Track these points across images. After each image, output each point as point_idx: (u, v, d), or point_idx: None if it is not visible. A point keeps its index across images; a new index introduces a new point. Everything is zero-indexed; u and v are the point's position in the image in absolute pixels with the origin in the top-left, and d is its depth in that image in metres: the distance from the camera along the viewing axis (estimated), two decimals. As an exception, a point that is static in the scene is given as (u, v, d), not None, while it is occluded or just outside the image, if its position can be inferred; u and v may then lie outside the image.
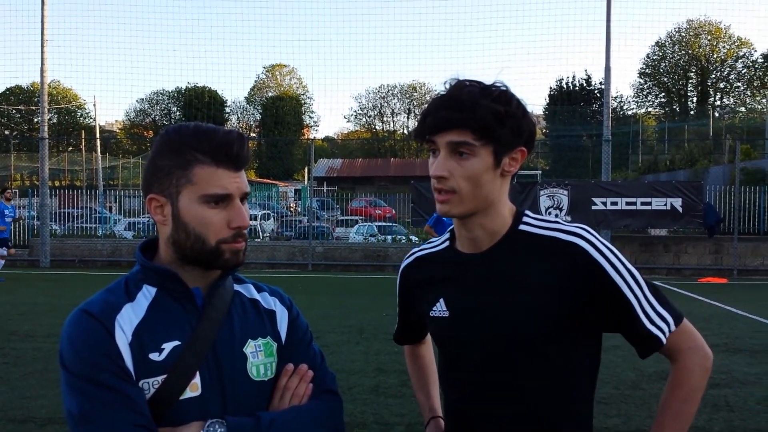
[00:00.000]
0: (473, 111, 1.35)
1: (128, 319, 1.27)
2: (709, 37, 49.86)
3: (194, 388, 1.27)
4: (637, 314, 1.40)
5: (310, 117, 64.06)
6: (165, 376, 1.25)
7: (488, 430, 1.46)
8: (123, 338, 1.25)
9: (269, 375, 1.38)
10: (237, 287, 1.44)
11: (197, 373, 1.28)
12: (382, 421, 4.84)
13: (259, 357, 1.37)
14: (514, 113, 1.38)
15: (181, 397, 1.26)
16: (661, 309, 1.42)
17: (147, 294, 1.32)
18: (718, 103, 51.04)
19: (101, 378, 1.20)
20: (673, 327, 1.42)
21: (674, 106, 52.38)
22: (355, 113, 66.07)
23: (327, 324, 8.69)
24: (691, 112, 49.33)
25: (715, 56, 49.95)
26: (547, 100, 49.28)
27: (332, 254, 17.78)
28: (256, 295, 1.45)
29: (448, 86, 1.41)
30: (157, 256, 1.37)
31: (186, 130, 1.31)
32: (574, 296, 1.39)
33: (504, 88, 1.41)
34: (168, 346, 1.27)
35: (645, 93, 53.59)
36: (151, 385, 1.24)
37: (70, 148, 51.61)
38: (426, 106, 1.42)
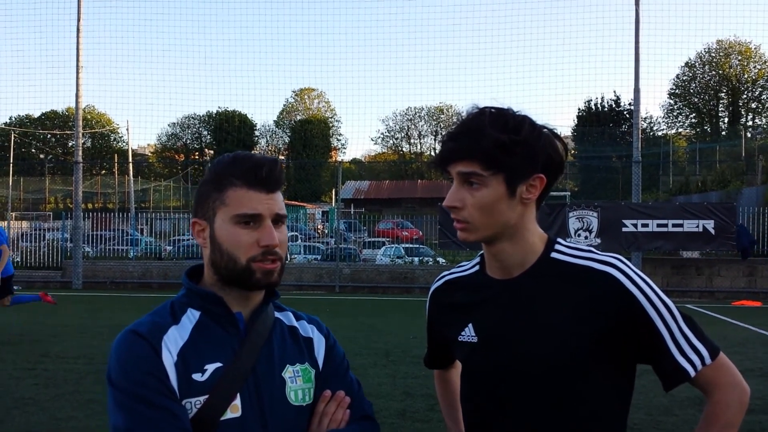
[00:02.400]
0: (478, 141, 1.36)
1: (174, 340, 1.31)
2: (739, 57, 49.25)
3: (235, 410, 1.30)
4: (667, 346, 1.37)
5: (338, 140, 64.52)
6: (207, 396, 1.28)
7: None
8: (169, 358, 1.29)
9: (307, 400, 1.40)
10: (277, 314, 1.47)
11: (238, 394, 1.31)
12: (409, 445, 4.80)
13: (297, 382, 1.40)
14: (524, 141, 1.36)
15: (222, 418, 1.29)
16: (696, 342, 1.39)
17: (191, 317, 1.36)
18: (750, 123, 50.23)
19: (147, 395, 1.24)
20: (708, 360, 1.38)
21: (705, 127, 51.68)
22: (382, 135, 66.40)
23: (354, 346, 8.67)
24: (723, 133, 48.57)
25: (746, 76, 49.28)
26: (576, 122, 49.01)
27: (359, 276, 17.78)
28: (295, 323, 1.49)
29: (464, 114, 1.42)
30: (202, 280, 1.42)
31: (226, 158, 1.39)
32: (605, 327, 1.37)
33: (516, 115, 1.40)
34: (210, 368, 1.31)
35: (675, 113, 53.01)
36: (194, 404, 1.28)
37: (104, 172, 52.60)
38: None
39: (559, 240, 1.50)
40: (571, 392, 1.39)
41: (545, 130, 1.42)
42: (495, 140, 1.35)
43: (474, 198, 1.39)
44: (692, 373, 1.37)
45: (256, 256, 1.33)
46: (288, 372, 1.39)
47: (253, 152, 1.41)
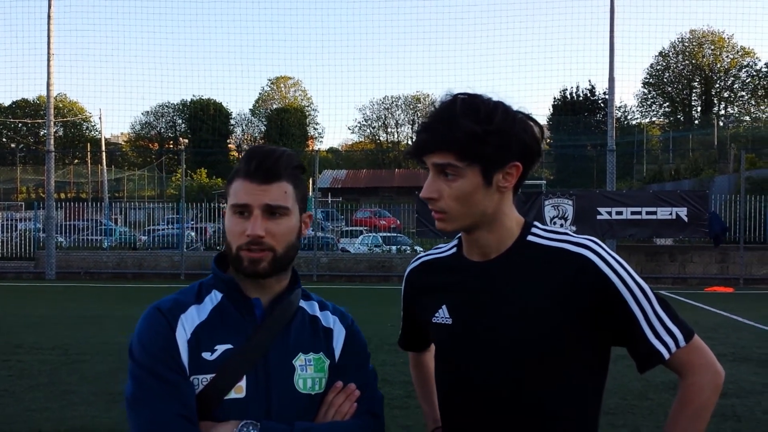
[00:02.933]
0: (451, 133, 1.35)
1: (191, 319, 1.39)
2: (712, 47, 49.87)
3: (239, 391, 1.36)
4: (641, 328, 1.38)
5: (315, 129, 64.27)
6: (213, 375, 1.35)
7: None
8: (183, 335, 1.36)
9: (317, 389, 1.44)
10: (303, 303, 1.52)
11: (244, 377, 1.36)
12: (387, 432, 4.82)
13: (307, 371, 1.44)
14: (497, 130, 1.35)
15: (226, 397, 1.35)
16: (670, 324, 1.39)
17: (213, 298, 1.43)
18: (723, 112, 50.96)
19: (157, 369, 1.32)
20: (682, 343, 1.39)
21: (679, 116, 52.31)
22: (359, 124, 66.26)
23: (332, 335, 8.67)
24: (696, 122, 49.24)
25: (718, 66, 49.94)
26: (551, 111, 49.35)
27: (337, 265, 17.77)
28: (318, 313, 1.53)
29: (438, 103, 1.41)
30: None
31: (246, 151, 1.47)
32: (579, 308, 1.38)
33: (488, 102, 1.39)
34: (221, 348, 1.37)
35: (649, 103, 53.62)
36: (201, 381, 1.35)
37: (76, 161, 51.83)
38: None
39: (536, 224, 1.50)
40: (545, 374, 1.40)
41: (520, 115, 1.41)
42: (468, 131, 1.33)
43: (450, 189, 1.38)
44: (666, 355, 1.38)
45: (243, 245, 1.38)
46: (299, 360, 1.43)
47: (269, 145, 1.48)
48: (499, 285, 1.44)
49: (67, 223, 20.70)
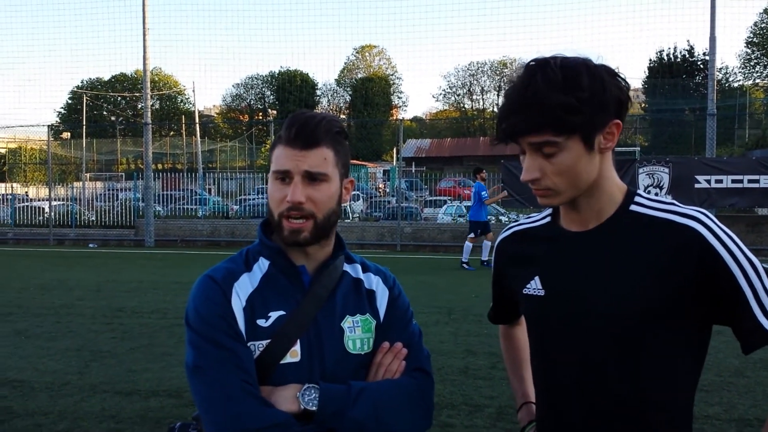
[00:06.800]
0: (543, 111, 1.28)
1: (244, 287, 1.42)
2: (826, 1, 46.22)
3: (294, 355, 1.40)
4: (750, 305, 1.29)
5: (399, 97, 64.18)
6: (269, 341, 1.39)
7: (580, 416, 1.40)
8: (238, 303, 1.40)
9: (366, 349, 1.48)
10: (346, 266, 1.55)
11: (297, 341, 1.40)
12: (471, 402, 4.82)
13: (356, 332, 1.48)
14: (590, 96, 1.28)
15: (282, 362, 1.39)
16: None
17: (262, 266, 1.46)
18: (836, 72, 47.31)
19: (216, 336, 1.36)
20: None
21: (786, 77, 49.00)
22: (443, 92, 65.87)
23: (415, 304, 8.65)
24: (805, 83, 45.98)
25: (832, 21, 46.29)
26: (647, 73, 47.20)
27: (421, 235, 17.79)
28: (361, 275, 1.56)
29: (516, 77, 1.34)
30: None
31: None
32: (683, 282, 1.30)
33: (571, 66, 1.30)
34: (274, 315, 1.41)
35: (752, 63, 50.40)
36: (257, 347, 1.38)
37: (172, 133, 53.92)
38: (500, 107, 1.36)
39: (640, 192, 1.43)
40: (643, 349, 1.34)
41: (601, 68, 1.32)
42: (562, 105, 1.27)
43: (553, 165, 1.32)
44: None
45: (284, 211, 1.40)
46: (347, 322, 1.47)
47: (310, 111, 1.48)
48: (598, 256, 1.38)
49: (164, 192, 21.65)
